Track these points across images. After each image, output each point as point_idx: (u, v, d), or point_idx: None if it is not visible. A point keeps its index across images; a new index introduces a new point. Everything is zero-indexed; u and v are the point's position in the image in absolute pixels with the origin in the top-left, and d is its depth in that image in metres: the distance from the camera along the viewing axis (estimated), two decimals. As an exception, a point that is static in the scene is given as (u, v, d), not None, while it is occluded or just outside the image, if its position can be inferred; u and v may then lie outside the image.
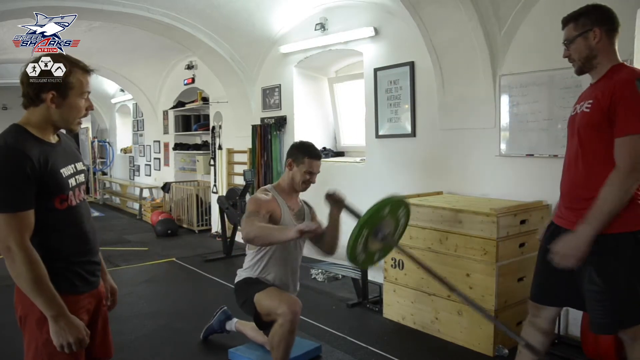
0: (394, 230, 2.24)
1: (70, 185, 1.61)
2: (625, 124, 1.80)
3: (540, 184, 3.35)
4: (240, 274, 2.73)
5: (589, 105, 1.93)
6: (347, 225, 2.33)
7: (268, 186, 2.71)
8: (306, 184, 2.63)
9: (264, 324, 2.57)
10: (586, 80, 2.12)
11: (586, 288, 1.92)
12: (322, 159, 2.69)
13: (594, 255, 1.88)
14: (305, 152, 2.62)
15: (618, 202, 1.82)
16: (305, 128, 5.53)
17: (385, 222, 2.12)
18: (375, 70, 4.49)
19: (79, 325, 1.54)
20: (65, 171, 1.60)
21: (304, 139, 2.89)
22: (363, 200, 4.61)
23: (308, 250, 2.83)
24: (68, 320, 1.51)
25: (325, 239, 2.58)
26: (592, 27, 1.93)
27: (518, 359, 2.24)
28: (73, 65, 1.58)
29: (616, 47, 1.97)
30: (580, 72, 2.03)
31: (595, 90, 1.93)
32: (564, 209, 2.06)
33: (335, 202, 2.52)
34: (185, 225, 7.57)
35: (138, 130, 9.83)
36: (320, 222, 2.66)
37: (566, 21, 2.02)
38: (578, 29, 1.96)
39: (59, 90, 1.55)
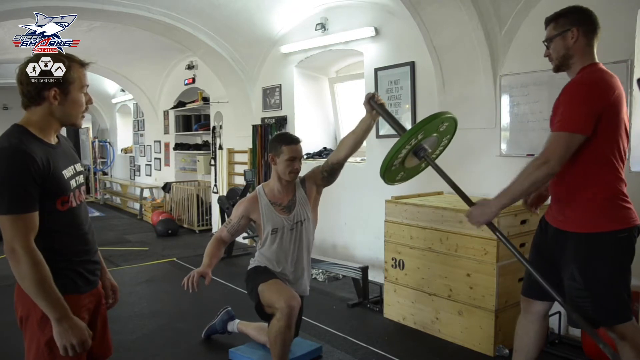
0: (435, 148, 2.22)
1: (72, 187, 1.61)
2: (560, 119, 1.88)
3: (540, 184, 3.34)
4: (252, 262, 2.79)
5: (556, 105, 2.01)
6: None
7: (259, 186, 2.76)
8: (292, 172, 2.62)
9: (265, 315, 2.62)
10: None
11: (566, 284, 1.96)
12: (300, 143, 2.67)
13: (577, 254, 1.93)
14: (282, 141, 2.63)
15: (525, 187, 1.92)
16: (306, 128, 5.53)
17: (429, 139, 2.12)
18: (376, 70, 4.49)
19: (82, 326, 1.54)
20: (67, 173, 1.60)
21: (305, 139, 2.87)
22: (363, 200, 4.64)
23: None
24: (71, 322, 1.51)
25: (345, 148, 2.64)
26: (570, 27, 1.97)
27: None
28: (70, 60, 1.59)
29: (594, 49, 1.99)
30: (557, 69, 2.09)
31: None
32: (552, 205, 2.11)
33: (376, 105, 2.45)
34: (185, 225, 7.58)
35: (139, 130, 9.83)
36: (320, 170, 2.72)
37: (548, 21, 2.06)
38: (557, 28, 2.00)
39: (60, 87, 1.55)
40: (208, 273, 2.45)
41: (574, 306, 1.93)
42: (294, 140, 2.65)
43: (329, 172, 2.72)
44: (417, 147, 2.10)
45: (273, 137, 2.75)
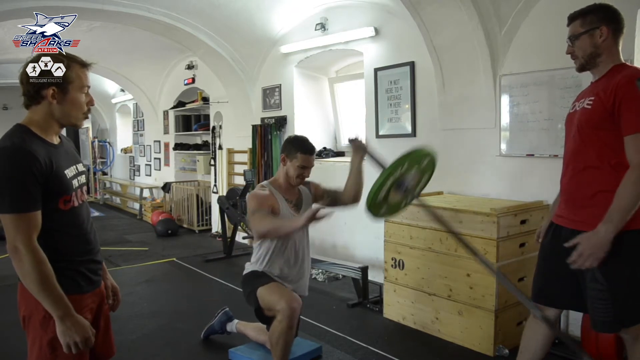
0: (417, 183, 2.22)
1: (74, 186, 1.61)
2: (632, 122, 1.80)
3: (540, 184, 3.35)
4: (248, 267, 2.77)
5: (590, 102, 1.92)
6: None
7: (264, 182, 2.74)
8: (300, 178, 2.65)
9: (265, 318, 2.62)
10: (586, 80, 2.12)
11: (589, 286, 1.92)
12: (315, 153, 2.70)
13: None
14: (298, 147, 2.64)
15: (634, 198, 1.78)
16: (306, 128, 5.52)
17: (410, 174, 2.12)
18: (376, 70, 4.49)
19: (85, 324, 1.55)
20: (69, 172, 1.60)
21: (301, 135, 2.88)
22: (363, 200, 4.62)
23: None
24: (74, 320, 1.51)
25: (346, 191, 2.68)
26: (599, 25, 1.93)
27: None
28: (71, 60, 1.59)
29: (620, 48, 1.97)
30: (581, 69, 2.02)
31: (597, 88, 1.93)
32: (564, 207, 2.06)
33: (358, 148, 2.55)
34: (185, 225, 7.58)
35: (138, 130, 9.83)
36: (324, 189, 2.78)
37: (573, 17, 2.01)
38: (585, 25, 1.95)
39: (59, 86, 1.55)
40: (316, 209, 2.18)
41: (593, 311, 1.91)
42: (311, 150, 2.67)
43: (330, 202, 2.76)
44: (399, 182, 2.08)
45: (291, 139, 2.73)
